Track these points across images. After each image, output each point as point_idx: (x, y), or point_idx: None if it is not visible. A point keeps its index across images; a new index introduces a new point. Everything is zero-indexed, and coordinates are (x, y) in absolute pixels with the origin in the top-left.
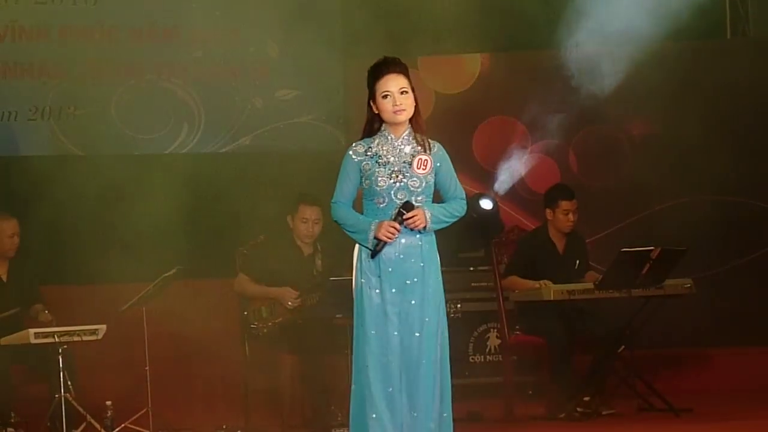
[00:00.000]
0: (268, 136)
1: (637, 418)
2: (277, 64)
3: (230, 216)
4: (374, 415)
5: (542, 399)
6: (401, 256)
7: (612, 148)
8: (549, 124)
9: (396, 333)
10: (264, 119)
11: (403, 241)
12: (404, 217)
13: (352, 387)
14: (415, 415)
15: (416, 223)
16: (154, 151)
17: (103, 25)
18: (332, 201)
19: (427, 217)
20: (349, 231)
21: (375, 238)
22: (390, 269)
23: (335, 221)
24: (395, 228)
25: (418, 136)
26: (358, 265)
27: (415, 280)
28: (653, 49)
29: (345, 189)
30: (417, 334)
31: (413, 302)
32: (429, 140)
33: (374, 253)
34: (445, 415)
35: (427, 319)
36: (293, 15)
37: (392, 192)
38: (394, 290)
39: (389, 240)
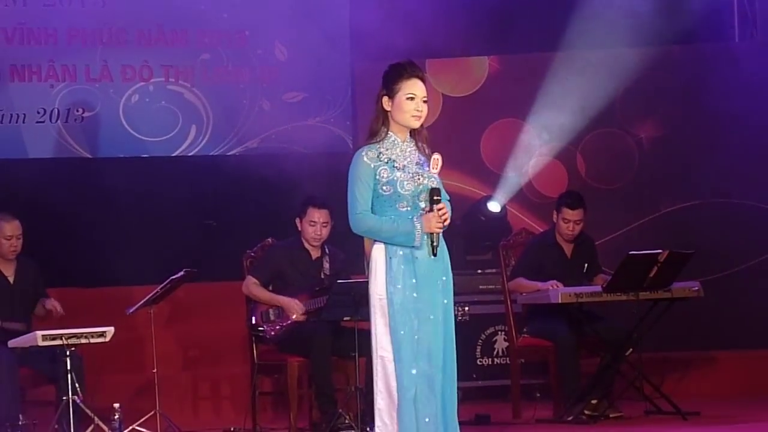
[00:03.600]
0: (276, 138)
1: (644, 421)
2: (285, 66)
3: (238, 218)
4: (427, 420)
5: (550, 402)
6: (431, 259)
7: (620, 150)
8: (557, 127)
9: (433, 336)
10: (272, 122)
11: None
12: (438, 207)
13: (403, 392)
14: (447, 411)
15: (446, 214)
16: (162, 153)
17: (111, 27)
18: (357, 212)
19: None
20: (385, 237)
21: (428, 233)
22: (424, 272)
23: (363, 232)
24: (443, 216)
25: (419, 144)
26: (388, 271)
27: (444, 279)
28: (662, 52)
29: (366, 197)
30: (445, 334)
31: (446, 302)
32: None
33: (435, 248)
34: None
35: (450, 319)
36: (301, 17)
37: (417, 195)
38: (429, 293)
39: (441, 230)
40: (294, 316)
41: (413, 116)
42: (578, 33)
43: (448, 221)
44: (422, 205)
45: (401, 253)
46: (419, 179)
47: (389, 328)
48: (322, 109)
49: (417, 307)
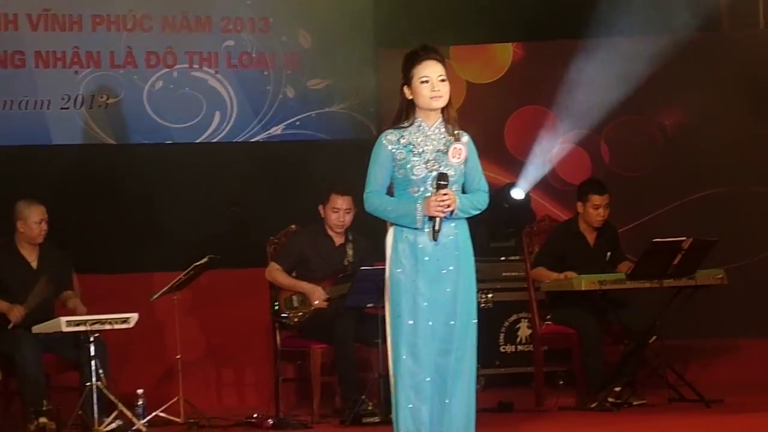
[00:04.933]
0: (299, 125)
1: (667, 408)
2: (309, 53)
3: (262, 205)
4: (411, 406)
5: (573, 389)
6: (437, 245)
7: (643, 138)
8: (580, 114)
9: (430, 323)
10: (296, 108)
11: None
12: (441, 192)
13: (392, 376)
14: (447, 402)
15: (448, 201)
16: (185, 140)
17: (135, 14)
18: (367, 191)
19: (456, 201)
20: (392, 217)
21: (428, 216)
22: (426, 258)
23: (371, 211)
24: (442, 200)
25: (449, 126)
26: (393, 254)
27: (451, 268)
28: (686, 39)
29: (379, 178)
30: (452, 323)
31: (448, 290)
32: (459, 131)
33: (435, 233)
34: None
35: (461, 308)
36: (325, 4)
37: (428, 181)
38: (430, 279)
39: (442, 215)
40: (316, 303)
41: (432, 98)
42: (602, 20)
43: (452, 208)
44: (431, 190)
45: (407, 237)
46: (433, 165)
47: (390, 312)
48: (345, 96)
49: (415, 292)
